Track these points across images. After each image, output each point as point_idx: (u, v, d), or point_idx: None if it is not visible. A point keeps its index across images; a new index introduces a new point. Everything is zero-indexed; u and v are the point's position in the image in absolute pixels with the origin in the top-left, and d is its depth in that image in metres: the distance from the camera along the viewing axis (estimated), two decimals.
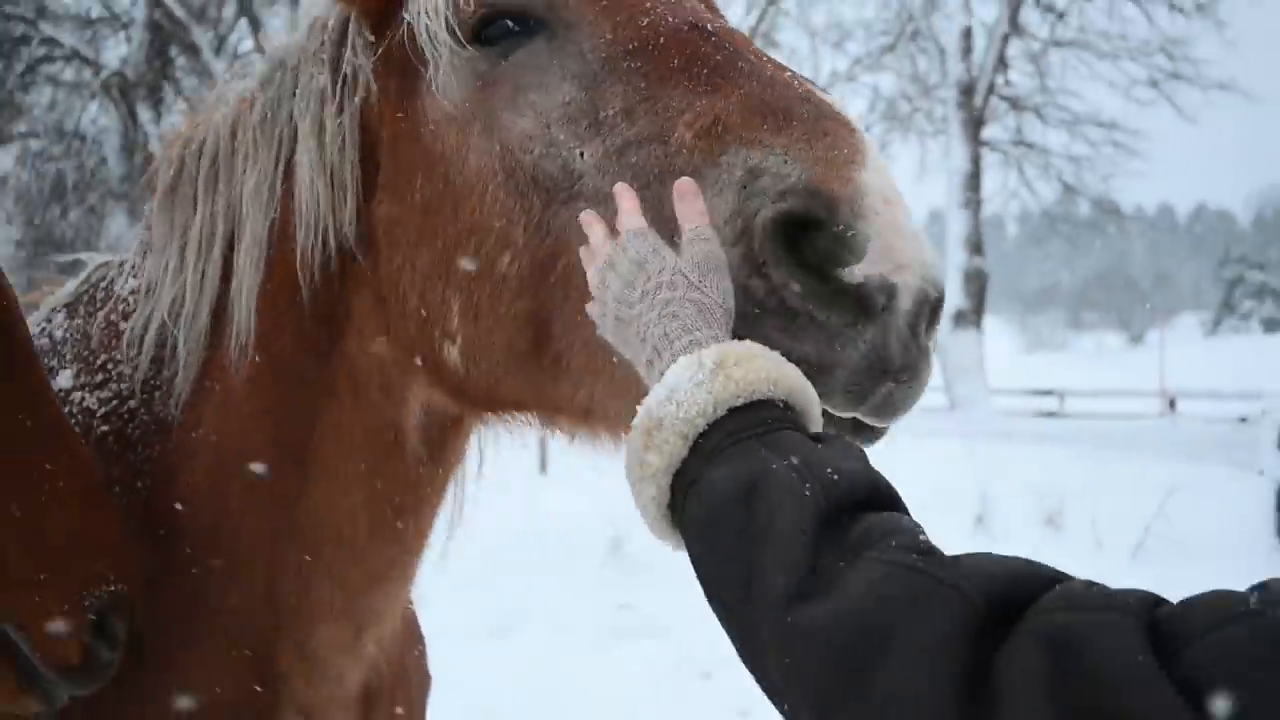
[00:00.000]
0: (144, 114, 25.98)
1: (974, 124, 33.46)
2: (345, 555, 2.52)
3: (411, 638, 2.99)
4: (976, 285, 32.82)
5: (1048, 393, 40.30)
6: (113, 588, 2.27)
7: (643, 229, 1.86)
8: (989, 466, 16.23)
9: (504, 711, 7.31)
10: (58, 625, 2.21)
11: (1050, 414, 36.56)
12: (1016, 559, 1.37)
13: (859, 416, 1.81)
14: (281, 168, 2.46)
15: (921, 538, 1.40)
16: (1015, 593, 1.29)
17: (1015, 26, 34.95)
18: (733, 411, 1.60)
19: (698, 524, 1.58)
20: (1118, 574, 11.42)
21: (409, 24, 2.24)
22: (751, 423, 1.58)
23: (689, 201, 1.83)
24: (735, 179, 1.84)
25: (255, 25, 26.28)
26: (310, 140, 2.40)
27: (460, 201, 2.20)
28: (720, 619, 1.52)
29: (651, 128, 1.97)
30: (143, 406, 2.63)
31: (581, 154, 2.04)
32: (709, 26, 2.04)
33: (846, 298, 1.75)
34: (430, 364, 2.34)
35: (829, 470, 1.49)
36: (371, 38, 2.34)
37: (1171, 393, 36.18)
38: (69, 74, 28.02)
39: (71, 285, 2.96)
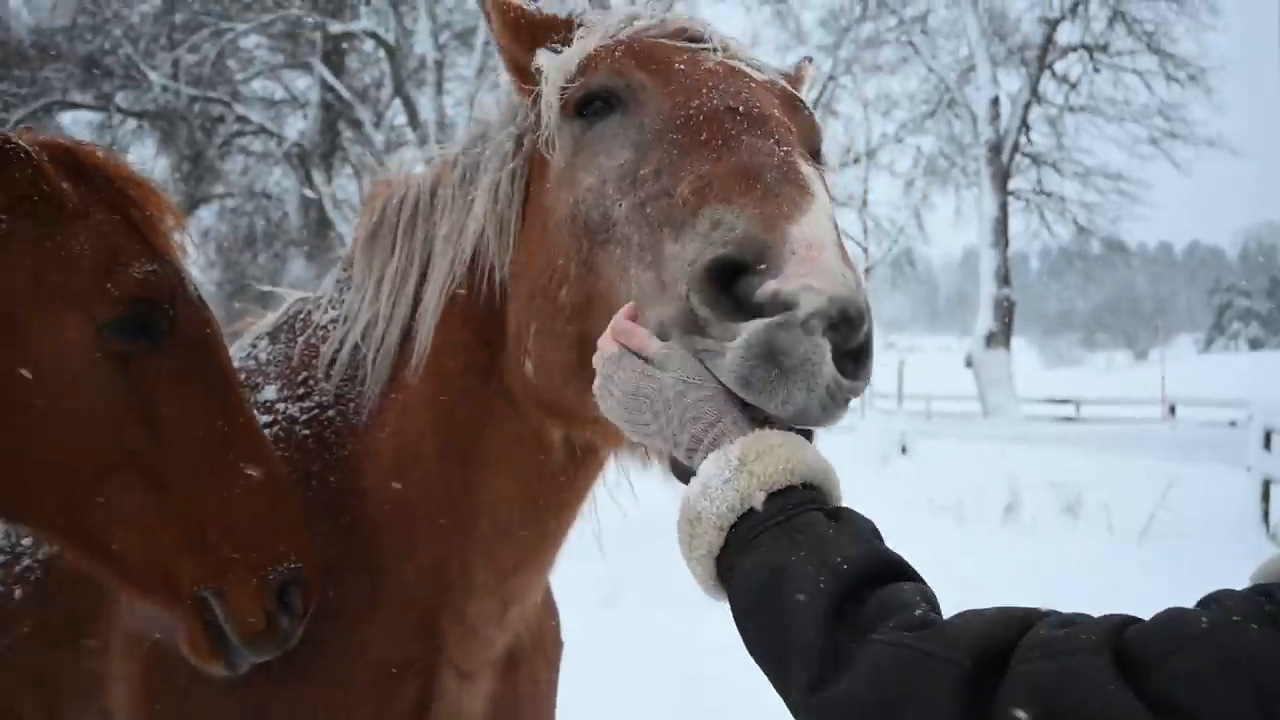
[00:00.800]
0: (318, 177, 26.15)
1: (1002, 177, 33.09)
2: (499, 542, 2.51)
3: (549, 611, 2.96)
4: (1005, 311, 32.41)
5: (1066, 402, 39.56)
6: (293, 566, 2.26)
7: (617, 354, 1.79)
8: (1017, 464, 16.07)
9: (616, 673, 7.18)
10: (247, 596, 2.22)
11: (1068, 419, 35.90)
12: (993, 611, 1.36)
13: (772, 415, 1.67)
14: (464, 218, 2.46)
15: (917, 612, 1.38)
16: (996, 643, 1.29)
17: (1036, 95, 34.53)
18: (767, 498, 1.57)
19: (737, 608, 1.57)
20: (1127, 554, 11.47)
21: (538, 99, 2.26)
22: (774, 511, 1.55)
23: (636, 334, 1.79)
24: (702, 230, 1.79)
25: (407, 104, 26.48)
26: (488, 194, 2.40)
27: (547, 244, 2.20)
28: (763, 669, 1.52)
29: (666, 185, 1.94)
30: (338, 415, 2.63)
31: (619, 204, 2.02)
32: (742, 109, 2.00)
33: (748, 307, 1.68)
34: (520, 381, 2.33)
35: (838, 560, 1.47)
36: (531, 114, 2.34)
37: (1171, 401, 35.45)
38: (257, 145, 28.46)
39: (272, 317, 2.96)
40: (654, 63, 2.12)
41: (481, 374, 2.43)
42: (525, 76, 2.32)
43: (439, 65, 26.38)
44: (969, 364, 32.58)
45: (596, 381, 1.85)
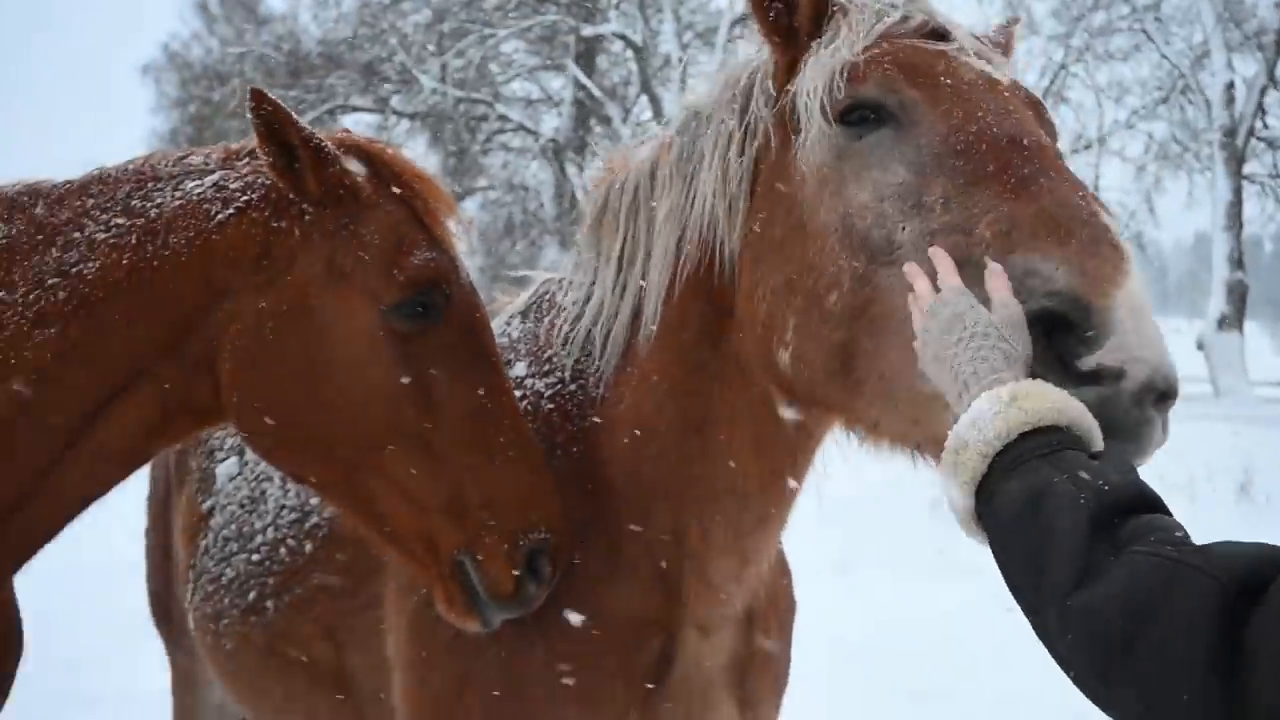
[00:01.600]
0: (571, 169, 27.24)
1: (1236, 161, 32.07)
2: (735, 504, 2.52)
3: (782, 570, 2.94)
4: (1238, 295, 31.54)
5: None
6: (543, 535, 2.34)
7: (961, 287, 1.80)
8: (1250, 445, 15.23)
9: (848, 636, 7.13)
10: (499, 561, 2.31)
11: None
12: (1259, 545, 1.35)
13: None
14: (690, 196, 2.46)
15: (1178, 534, 1.38)
16: (1257, 574, 1.28)
17: (1272, 80, 33.52)
18: (1024, 436, 1.58)
19: (995, 528, 1.59)
20: None
21: (794, 95, 2.21)
22: (1039, 445, 1.56)
23: (999, 278, 1.78)
24: (1015, 275, 1.78)
25: (653, 100, 27.55)
26: (716, 175, 2.39)
27: (807, 244, 2.17)
28: (1018, 602, 1.52)
29: (960, 218, 1.92)
30: (578, 389, 2.68)
31: (903, 228, 2.00)
32: (1025, 141, 1.96)
33: (1071, 369, 1.72)
34: (769, 366, 2.31)
35: (1100, 482, 1.47)
36: (774, 94, 2.31)
37: None
38: (516, 141, 29.76)
39: (524, 297, 3.03)
40: (920, 76, 2.09)
41: (712, 345, 2.45)
42: (784, 44, 2.29)
43: (683, 63, 27.31)
44: (1200, 346, 31.91)
45: (919, 322, 1.86)
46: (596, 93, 27.68)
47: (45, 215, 2.36)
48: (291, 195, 2.32)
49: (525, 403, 2.67)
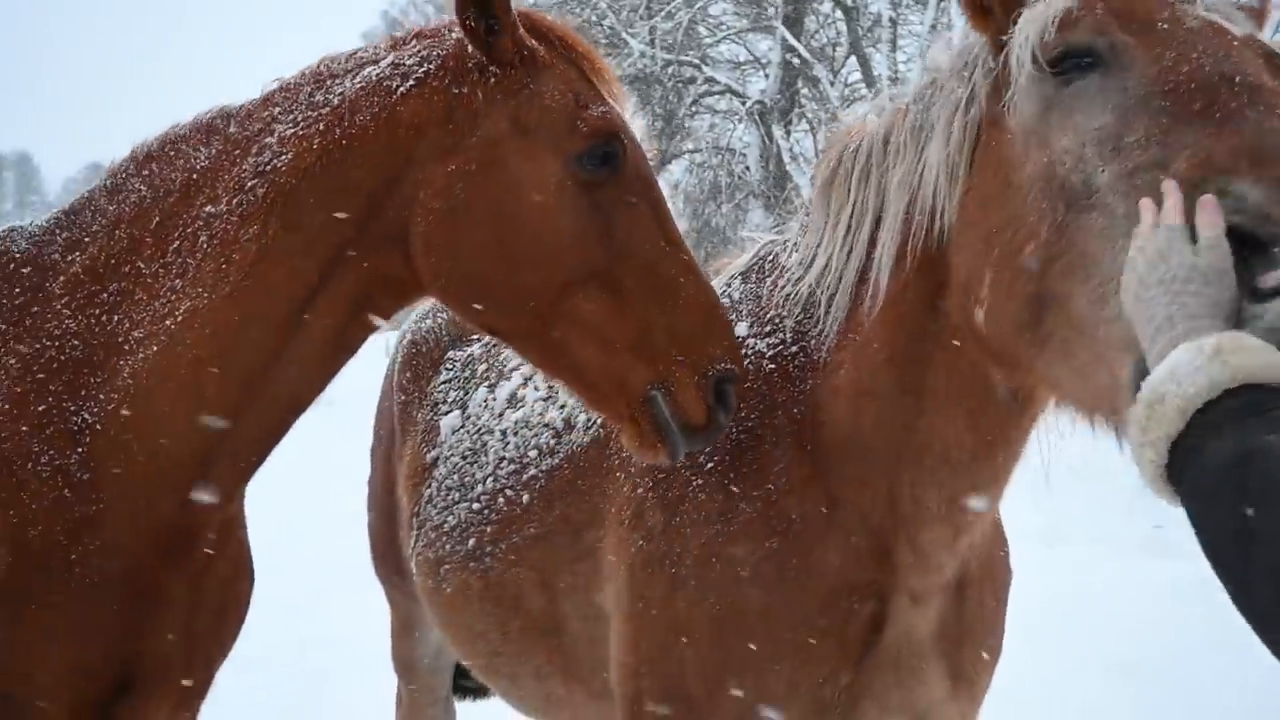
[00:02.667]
0: (777, 132, 26.77)
1: None
2: (949, 472, 2.49)
3: (998, 539, 2.90)
4: None
5: None
6: (728, 365, 2.47)
7: (1175, 226, 1.71)
8: None
9: (1056, 607, 7.02)
10: (691, 392, 2.44)
11: None
12: None
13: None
14: (918, 164, 2.44)
15: None
16: None
17: None
18: (1226, 393, 1.49)
19: (1196, 487, 1.50)
20: None
21: (1007, 53, 2.17)
22: (1245, 404, 1.47)
23: (1208, 212, 1.69)
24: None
25: (862, 61, 27.16)
26: (940, 140, 2.37)
27: (1010, 198, 2.12)
28: (1215, 567, 1.43)
29: (1159, 157, 1.84)
30: (800, 351, 2.69)
31: (1102, 171, 1.93)
32: (1238, 79, 1.86)
33: (1265, 293, 1.63)
34: (969, 327, 2.28)
35: None
36: (992, 64, 2.28)
37: None
38: (722, 104, 29.52)
39: (745, 258, 3.05)
40: (1136, 20, 2.02)
41: (931, 313, 2.43)
42: (984, 21, 2.27)
43: (893, 23, 26.91)
44: None
45: (1132, 248, 1.79)
46: (805, 54, 27.28)
47: (238, 132, 2.55)
48: (479, 61, 2.45)
49: (747, 362, 2.69)
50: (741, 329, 2.79)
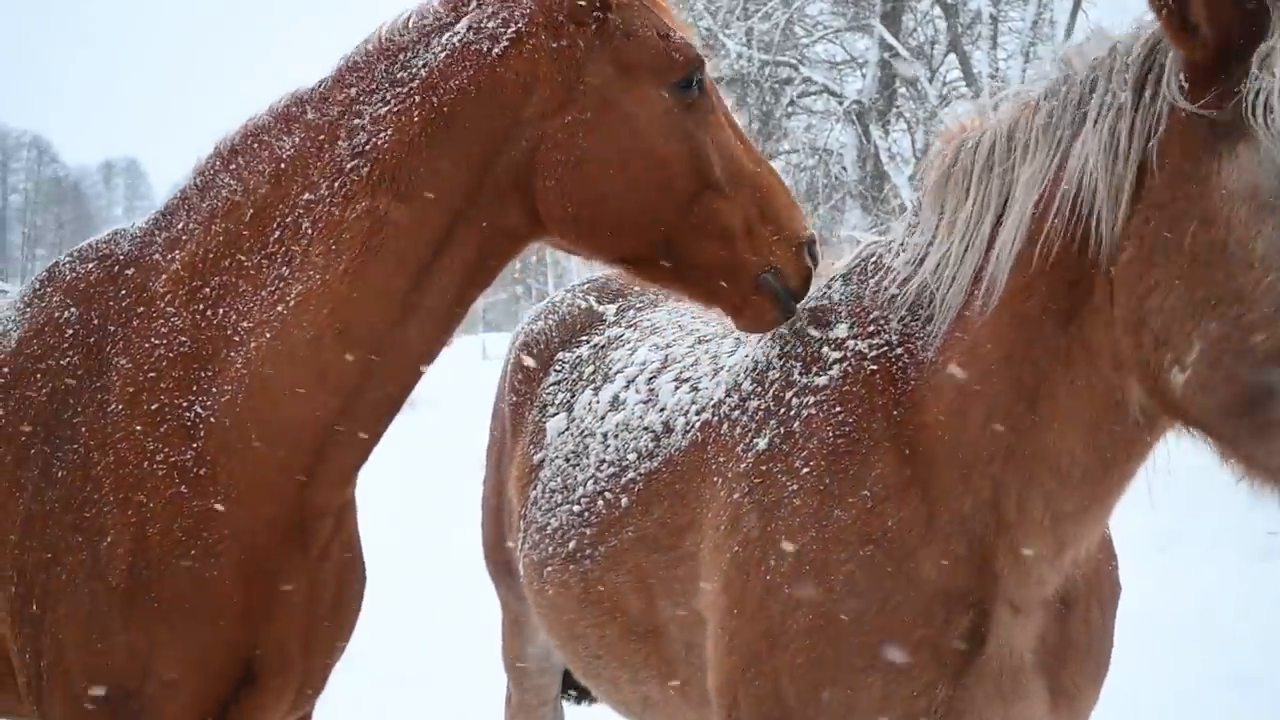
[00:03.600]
0: (875, 132, 26.44)
1: None
2: (1058, 486, 2.41)
3: (1107, 553, 2.83)
4: None
5: None
6: (808, 231, 2.79)
7: None
8: None
9: (1166, 614, 6.92)
10: (794, 263, 2.76)
11: None
12: None
13: None
14: (1054, 163, 2.32)
15: None
16: None
17: None
18: None
19: None
20: None
21: (1239, 98, 1.91)
22: None
23: None
24: None
25: (962, 59, 26.83)
26: (1100, 146, 2.21)
27: (1234, 270, 1.93)
28: None
29: None
30: (904, 352, 2.64)
31: None
32: None
33: None
34: (1151, 376, 2.13)
35: None
36: (1185, 84, 2.04)
37: None
38: (819, 105, 29.42)
39: (845, 260, 3.02)
40: None
41: (1060, 320, 2.33)
42: (1184, 39, 2.00)
43: (994, 19, 26.50)
44: None
45: None
46: (903, 52, 27.01)
47: (318, 117, 2.61)
48: (571, 11, 2.55)
49: (846, 364, 2.67)
50: (841, 330, 2.77)
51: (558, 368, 3.98)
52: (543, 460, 3.66)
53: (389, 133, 2.52)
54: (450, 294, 2.62)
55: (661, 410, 3.22)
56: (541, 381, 3.99)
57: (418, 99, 2.53)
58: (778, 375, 2.85)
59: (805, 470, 2.65)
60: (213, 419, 2.53)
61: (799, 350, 2.83)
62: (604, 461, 3.29)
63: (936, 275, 2.57)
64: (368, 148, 2.53)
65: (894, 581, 2.49)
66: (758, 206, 2.70)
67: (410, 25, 2.65)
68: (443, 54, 2.55)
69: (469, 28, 2.56)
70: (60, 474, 2.51)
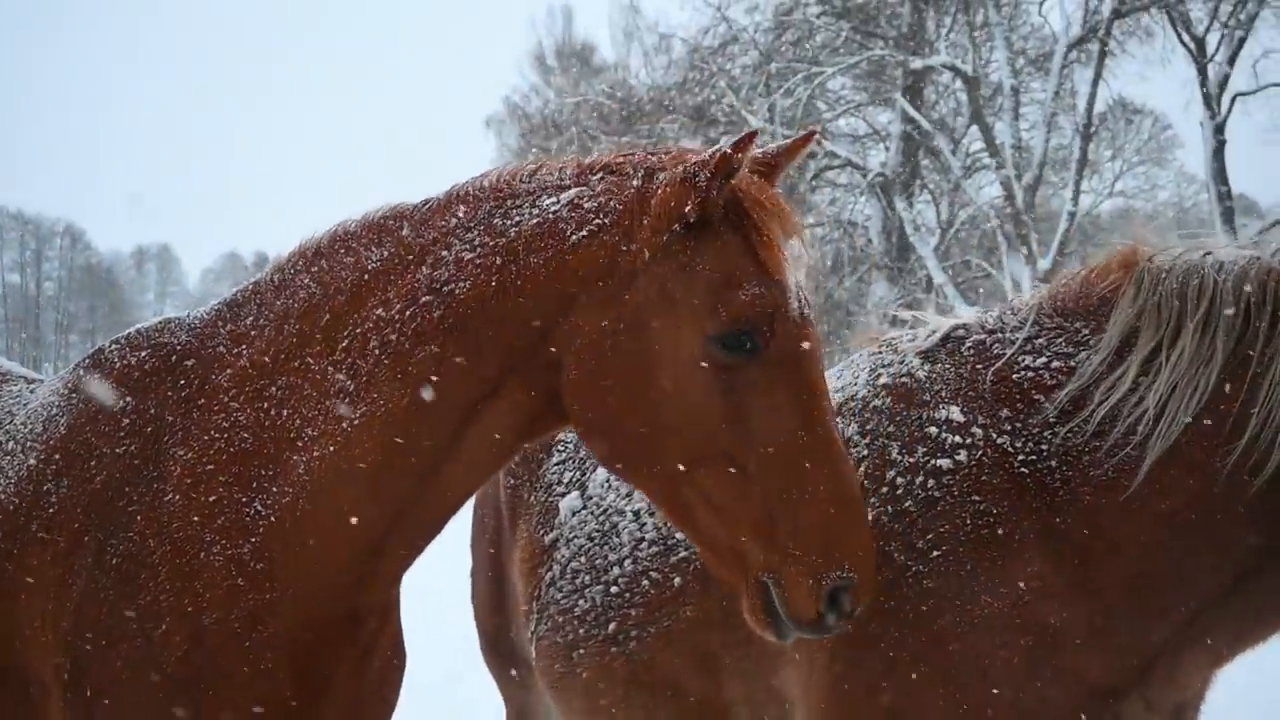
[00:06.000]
0: (899, 204, 26.69)
1: None
2: (1255, 622, 2.56)
3: None
4: None
5: None
6: (847, 575, 2.33)
7: None
8: None
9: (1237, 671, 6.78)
10: (801, 592, 2.33)
11: None
12: None
13: None
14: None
15: None
16: None
17: None
18: None
19: None
20: None
21: None
22: None
23: None
24: None
25: (984, 130, 26.92)
26: None
27: None
28: None
29: None
30: (1063, 465, 2.63)
31: None
32: None
33: None
34: None
35: None
36: None
37: None
38: (843, 178, 29.60)
39: (923, 336, 2.99)
40: None
41: None
42: None
43: (1015, 91, 26.75)
44: None
45: None
46: (926, 125, 27.26)
47: (413, 237, 2.57)
48: (655, 221, 2.40)
49: (979, 453, 2.68)
50: (955, 414, 2.72)
51: (560, 448, 3.92)
52: (556, 540, 3.58)
53: (466, 284, 2.49)
54: (495, 441, 2.59)
55: None
56: (544, 463, 3.92)
57: (499, 261, 2.49)
58: (865, 452, 2.80)
59: (935, 554, 2.62)
60: (273, 518, 2.51)
61: (889, 429, 2.79)
62: (642, 540, 3.22)
63: (1140, 407, 2.54)
64: (445, 290, 2.50)
65: (1055, 673, 2.51)
66: (794, 511, 2.34)
67: (532, 176, 2.61)
68: (534, 221, 2.50)
69: (570, 203, 2.50)
70: (114, 561, 2.49)
